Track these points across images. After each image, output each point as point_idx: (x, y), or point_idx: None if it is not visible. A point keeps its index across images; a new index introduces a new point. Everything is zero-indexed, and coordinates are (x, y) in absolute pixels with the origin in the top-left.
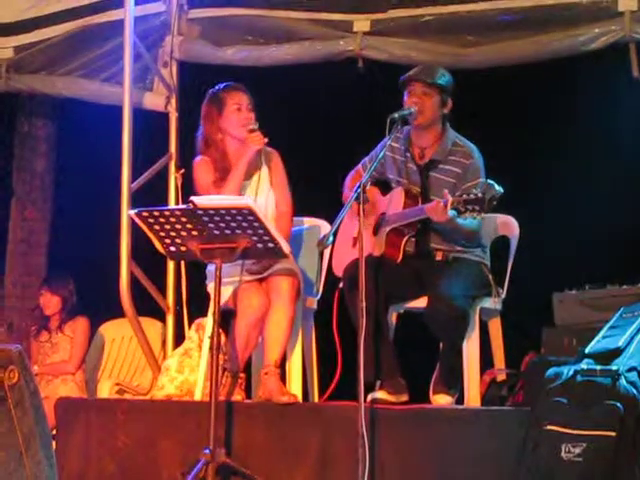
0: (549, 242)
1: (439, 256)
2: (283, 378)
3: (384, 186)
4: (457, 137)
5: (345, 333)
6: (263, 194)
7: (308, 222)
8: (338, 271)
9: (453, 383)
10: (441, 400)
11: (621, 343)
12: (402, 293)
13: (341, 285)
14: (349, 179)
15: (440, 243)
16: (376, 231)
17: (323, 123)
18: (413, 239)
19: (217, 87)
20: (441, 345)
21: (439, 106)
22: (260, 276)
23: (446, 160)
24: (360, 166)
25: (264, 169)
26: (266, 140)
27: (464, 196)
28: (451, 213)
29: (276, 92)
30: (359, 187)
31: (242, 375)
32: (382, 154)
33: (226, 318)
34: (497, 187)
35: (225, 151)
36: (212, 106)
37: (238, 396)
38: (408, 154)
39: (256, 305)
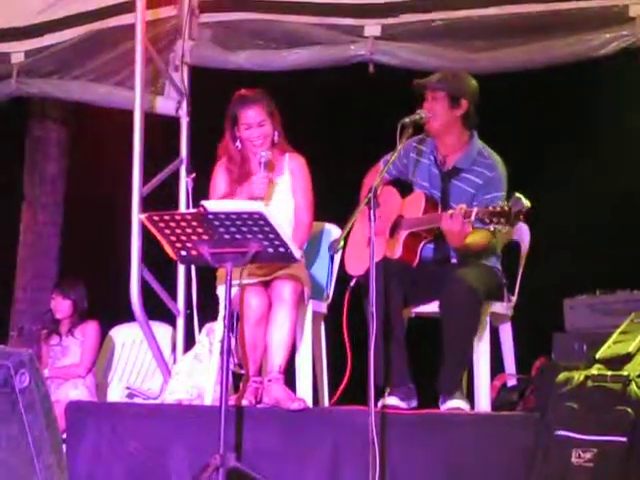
0: (560, 247)
1: (454, 260)
2: (289, 383)
3: (402, 187)
4: (484, 147)
5: (360, 337)
6: (282, 202)
7: (318, 226)
8: (350, 269)
9: (460, 386)
10: (451, 404)
11: (632, 349)
12: (416, 297)
13: (351, 285)
14: (368, 177)
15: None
16: (392, 233)
17: (333, 127)
18: (430, 245)
19: (235, 96)
20: (449, 344)
21: (449, 108)
22: (263, 279)
23: (470, 169)
24: (381, 163)
25: (286, 175)
26: (267, 185)
27: (490, 208)
28: (478, 225)
29: (287, 96)
30: (370, 191)
31: (258, 379)
32: (395, 157)
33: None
34: (524, 201)
35: (244, 157)
36: (228, 118)
37: (245, 400)
38: (432, 157)
39: (255, 306)
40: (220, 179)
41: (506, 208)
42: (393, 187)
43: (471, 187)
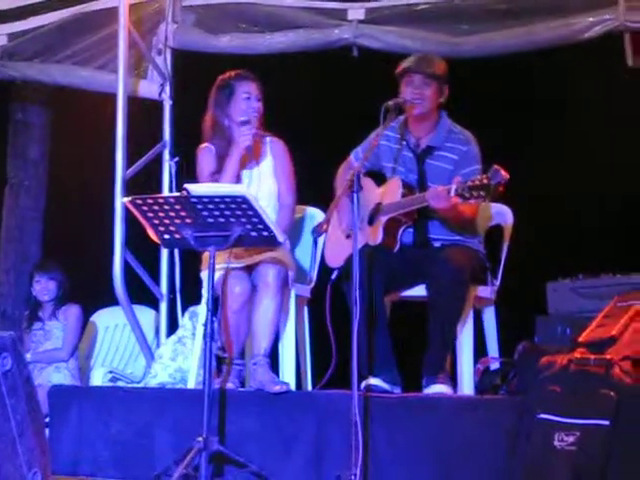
0: (543, 231)
1: (437, 244)
2: (274, 367)
3: (377, 178)
4: (452, 124)
5: (342, 323)
6: (265, 185)
7: (302, 210)
8: (331, 261)
9: (445, 368)
10: (435, 388)
11: (615, 332)
12: (399, 282)
13: (333, 276)
14: (341, 172)
15: (438, 233)
16: (372, 221)
17: (316, 111)
18: (410, 229)
19: (227, 74)
20: (435, 326)
21: (438, 96)
22: (246, 263)
23: (443, 147)
24: (352, 156)
25: (268, 159)
26: (254, 133)
27: (469, 182)
28: (458, 201)
29: (270, 80)
30: (353, 175)
31: (241, 362)
32: (376, 142)
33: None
34: (503, 172)
35: (231, 138)
36: (222, 93)
37: (231, 384)
38: (403, 142)
39: (238, 292)
40: (207, 160)
41: (485, 181)
42: (369, 178)
43: (448, 164)
